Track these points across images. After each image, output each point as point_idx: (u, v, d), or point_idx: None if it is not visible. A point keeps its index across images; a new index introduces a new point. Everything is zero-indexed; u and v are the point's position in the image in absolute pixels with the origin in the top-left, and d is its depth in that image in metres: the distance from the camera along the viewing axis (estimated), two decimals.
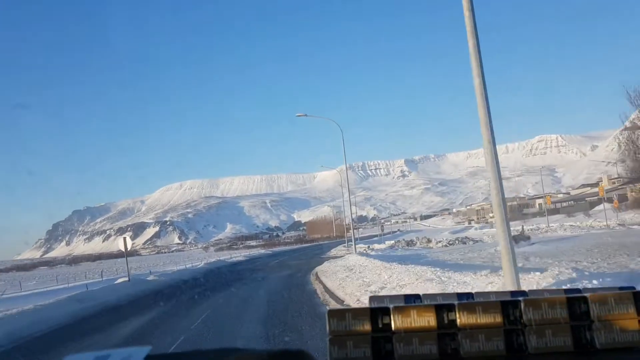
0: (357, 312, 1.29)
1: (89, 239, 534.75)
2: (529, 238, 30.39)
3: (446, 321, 1.26)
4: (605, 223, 42.57)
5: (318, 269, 24.67)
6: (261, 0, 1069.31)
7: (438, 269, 13.10)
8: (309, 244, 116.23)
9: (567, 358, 1.23)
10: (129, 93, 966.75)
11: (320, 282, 18.25)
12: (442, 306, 1.28)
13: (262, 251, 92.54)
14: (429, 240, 43.09)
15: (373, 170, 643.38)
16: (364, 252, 35.13)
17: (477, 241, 39.90)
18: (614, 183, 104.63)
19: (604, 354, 1.23)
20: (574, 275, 9.72)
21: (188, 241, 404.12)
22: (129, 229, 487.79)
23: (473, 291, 1.46)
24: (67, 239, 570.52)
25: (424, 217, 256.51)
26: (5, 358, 10.23)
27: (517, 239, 26.08)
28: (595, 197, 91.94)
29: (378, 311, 1.29)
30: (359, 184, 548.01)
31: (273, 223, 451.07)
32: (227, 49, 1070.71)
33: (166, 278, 28.22)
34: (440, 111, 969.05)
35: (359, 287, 13.68)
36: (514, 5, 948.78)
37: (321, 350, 1.25)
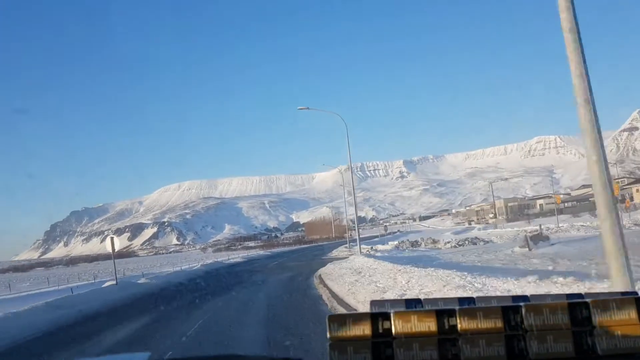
0: (357, 317, 1.29)
1: (87, 239, 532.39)
2: (548, 238, 28.72)
3: (447, 326, 1.26)
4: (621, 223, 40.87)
5: (321, 271, 23.06)
6: (260, 0, 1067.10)
7: (465, 273, 11.46)
8: (308, 245, 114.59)
9: None
10: (127, 94, 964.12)
11: (326, 286, 16.59)
12: (443, 311, 1.28)
13: (261, 252, 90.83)
14: (435, 241, 41.48)
15: (372, 171, 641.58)
16: (369, 253, 33.44)
17: (487, 242, 38.25)
18: (618, 183, 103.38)
19: None
20: None
21: (186, 242, 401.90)
22: (127, 229, 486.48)
23: (474, 295, 1.46)
24: (65, 239, 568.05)
25: (423, 218, 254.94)
26: None
27: (535, 239, 24.60)
28: None
29: (378, 316, 1.28)
30: (358, 184, 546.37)
31: (271, 224, 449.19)
32: (226, 50, 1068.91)
33: (158, 281, 26.48)
34: (439, 112, 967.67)
35: (373, 293, 12.02)
36: (512, 5, 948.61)
37: (322, 356, 1.33)
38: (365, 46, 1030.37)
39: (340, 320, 1.28)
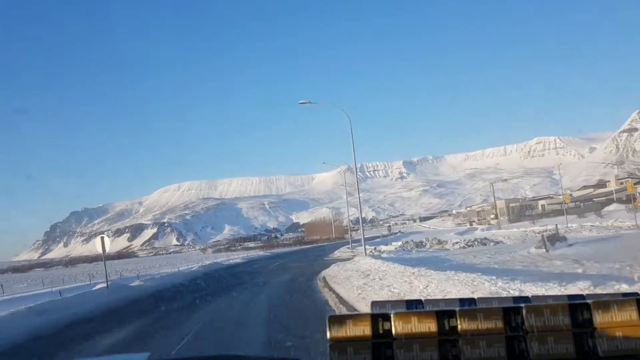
0: (357, 318, 1.28)
1: (87, 240, 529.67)
2: (565, 239, 27.43)
3: (447, 327, 1.25)
4: (632, 223, 39.82)
5: (325, 273, 21.83)
6: (260, 0, 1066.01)
7: (494, 277, 10.24)
8: (309, 246, 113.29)
9: None
10: (127, 94, 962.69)
11: (332, 290, 15.35)
12: (443, 312, 1.28)
13: (261, 253, 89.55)
14: (440, 242, 40.28)
15: (371, 172, 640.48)
16: (374, 254, 32.14)
17: (497, 242, 37.00)
18: (621, 184, 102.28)
19: None
20: None
21: (186, 243, 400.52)
22: (126, 230, 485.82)
23: (475, 296, 1.45)
24: (64, 240, 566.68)
25: (423, 219, 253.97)
26: None
27: (553, 239, 23.44)
28: (604, 198, 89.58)
29: (379, 317, 1.28)
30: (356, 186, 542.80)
31: (271, 224, 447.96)
32: (226, 50, 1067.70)
33: (153, 283, 25.22)
34: (439, 113, 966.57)
35: (388, 299, 10.62)
36: (512, 5, 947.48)
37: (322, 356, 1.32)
38: (365, 46, 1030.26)
39: (340, 320, 1.28)
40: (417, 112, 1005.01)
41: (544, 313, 1.24)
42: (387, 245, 47.02)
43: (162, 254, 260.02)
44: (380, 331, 1.26)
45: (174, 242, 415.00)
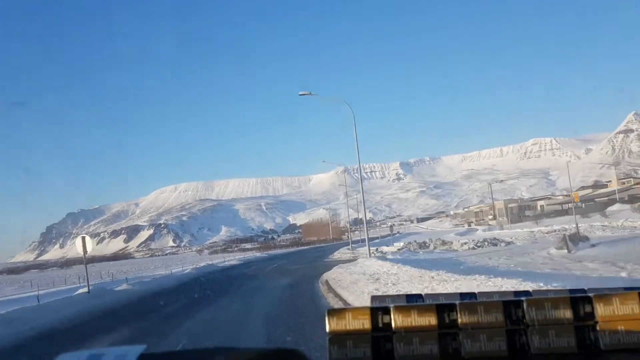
0: (357, 312, 1.28)
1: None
2: (587, 239, 25.77)
3: (447, 321, 1.25)
4: None
5: (327, 276, 20.23)
6: (258, 1, 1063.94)
7: (540, 283, 8.79)
8: (306, 247, 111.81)
9: (571, 359, 1.22)
10: (123, 96, 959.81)
11: (337, 295, 13.75)
12: (444, 306, 1.27)
13: (258, 254, 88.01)
14: (445, 242, 38.75)
15: (368, 173, 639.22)
16: (380, 255, 30.40)
17: (508, 243, 35.39)
18: (623, 184, 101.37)
19: (609, 355, 1.21)
20: None
21: (182, 244, 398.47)
22: (123, 231, 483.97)
23: (476, 291, 1.45)
24: (61, 241, 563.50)
25: (420, 220, 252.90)
26: None
27: (574, 239, 21.93)
28: (606, 198, 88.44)
29: (378, 310, 1.27)
30: (355, 186, 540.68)
31: (268, 226, 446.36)
32: (224, 51, 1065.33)
33: (140, 288, 23.53)
34: (436, 114, 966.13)
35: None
36: (510, 6, 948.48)
37: (321, 350, 1.30)
38: (363, 47, 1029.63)
39: (339, 314, 1.27)
40: (414, 114, 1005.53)
41: (545, 306, 1.24)
42: (388, 246, 45.48)
43: (158, 255, 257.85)
44: (380, 324, 1.25)
45: (171, 243, 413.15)
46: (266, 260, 54.03)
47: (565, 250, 20.80)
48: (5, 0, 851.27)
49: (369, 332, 1.25)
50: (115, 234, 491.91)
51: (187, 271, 40.86)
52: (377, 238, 79.23)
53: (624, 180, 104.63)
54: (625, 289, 1.31)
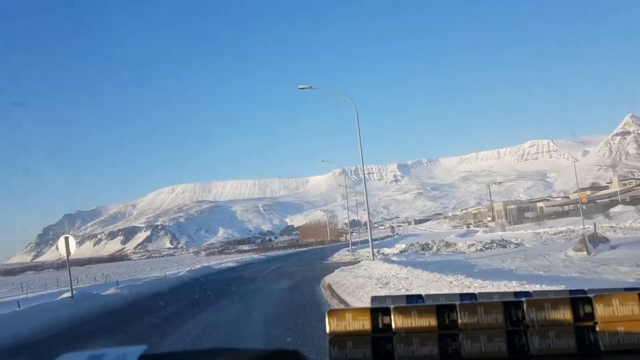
0: (357, 313, 1.28)
1: (80, 243, 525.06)
2: (607, 240, 24.63)
3: (447, 321, 1.25)
4: None
5: (329, 279, 19.18)
6: (257, 1, 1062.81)
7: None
8: (304, 248, 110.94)
9: None
10: (121, 97, 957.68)
11: (343, 302, 12.83)
12: (444, 306, 1.27)
13: (255, 256, 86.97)
14: (448, 244, 37.76)
15: (366, 175, 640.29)
16: (384, 257, 29.23)
17: (517, 244, 34.31)
18: (624, 185, 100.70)
19: (609, 356, 1.21)
20: None
21: (180, 246, 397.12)
22: (120, 233, 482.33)
23: (476, 291, 1.41)
24: (57, 243, 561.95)
25: (418, 222, 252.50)
26: None
27: (594, 240, 20.89)
28: (607, 199, 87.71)
29: (378, 311, 1.27)
30: (352, 188, 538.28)
31: (265, 227, 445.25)
32: (223, 52, 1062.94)
33: (129, 292, 22.39)
34: (433, 116, 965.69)
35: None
36: (510, 7, 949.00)
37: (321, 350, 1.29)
38: (362, 48, 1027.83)
39: (339, 315, 1.27)
40: (412, 115, 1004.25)
41: (544, 307, 1.23)
42: (389, 247, 44.48)
43: (155, 257, 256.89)
44: (380, 325, 1.25)
45: (168, 245, 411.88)
46: (264, 262, 53.00)
47: (585, 252, 19.81)
48: (5, 0, 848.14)
49: (369, 333, 1.25)
50: (112, 235, 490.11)
51: (180, 274, 39.74)
52: (376, 239, 78.40)
53: (625, 182, 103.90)
54: (626, 289, 1.31)
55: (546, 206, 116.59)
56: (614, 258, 15.06)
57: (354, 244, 60.11)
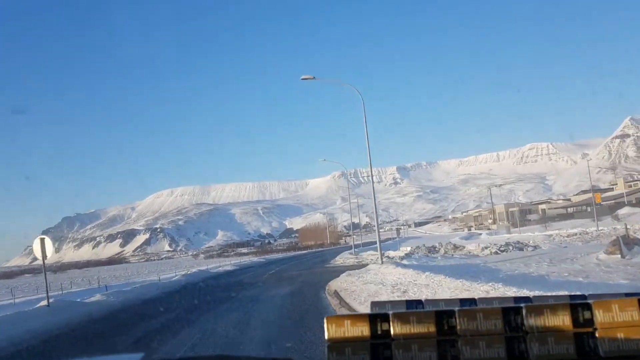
0: (356, 319, 1.27)
1: (79, 245, 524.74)
2: None
3: (446, 327, 1.25)
4: None
5: (334, 285, 17.39)
6: (256, 2, 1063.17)
7: None
8: (304, 251, 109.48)
9: None
10: (120, 100, 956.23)
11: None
12: (442, 312, 1.26)
13: (255, 259, 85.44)
14: (456, 247, 36.16)
15: (365, 178, 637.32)
16: (396, 261, 27.13)
17: (535, 247, 32.56)
18: (630, 187, 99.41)
19: None
20: None
21: (179, 248, 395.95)
22: (119, 235, 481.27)
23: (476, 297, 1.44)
24: (56, 245, 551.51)
25: (418, 224, 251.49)
26: None
27: (628, 242, 19.16)
28: (612, 201, 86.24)
29: (377, 317, 1.27)
30: (352, 191, 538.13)
31: (265, 230, 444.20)
32: (222, 54, 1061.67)
33: (115, 299, 20.69)
34: (433, 119, 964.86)
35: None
36: (509, 8, 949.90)
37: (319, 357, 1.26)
38: (363, 48, 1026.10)
39: (338, 321, 1.27)
40: (411, 118, 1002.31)
41: (544, 313, 1.23)
42: (394, 250, 42.66)
43: (154, 259, 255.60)
44: (379, 332, 1.25)
45: (167, 247, 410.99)
46: (263, 266, 51.25)
47: (619, 256, 18.18)
48: (5, 1, 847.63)
49: (367, 339, 1.24)
50: (111, 238, 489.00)
51: (175, 278, 37.94)
52: (376, 242, 76.93)
53: (630, 184, 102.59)
54: (626, 295, 1.31)
55: (549, 208, 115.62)
56: None
57: (355, 246, 58.54)
